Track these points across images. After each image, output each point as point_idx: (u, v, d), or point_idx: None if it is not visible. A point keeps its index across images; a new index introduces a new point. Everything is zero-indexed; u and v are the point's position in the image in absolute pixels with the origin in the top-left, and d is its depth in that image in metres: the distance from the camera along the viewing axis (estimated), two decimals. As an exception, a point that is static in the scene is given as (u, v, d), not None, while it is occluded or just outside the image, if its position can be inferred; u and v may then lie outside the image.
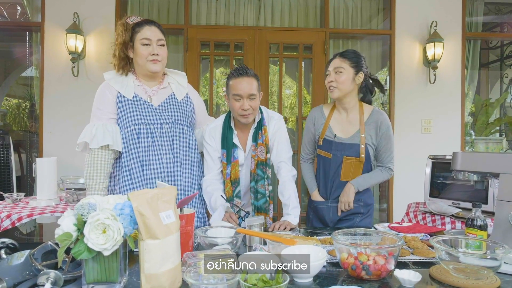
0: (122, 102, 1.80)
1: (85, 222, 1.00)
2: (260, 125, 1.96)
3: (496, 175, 1.41)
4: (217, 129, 1.98)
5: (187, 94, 1.97)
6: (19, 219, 2.14)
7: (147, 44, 1.77)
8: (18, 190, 3.75)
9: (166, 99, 1.89)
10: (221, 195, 1.84)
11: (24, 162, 5.27)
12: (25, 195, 2.62)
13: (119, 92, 1.81)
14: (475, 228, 1.36)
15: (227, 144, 1.94)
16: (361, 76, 1.94)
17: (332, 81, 1.92)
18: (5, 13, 4.68)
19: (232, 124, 1.97)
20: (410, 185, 3.99)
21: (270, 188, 1.95)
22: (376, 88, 2.10)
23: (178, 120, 1.86)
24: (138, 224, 0.98)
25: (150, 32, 1.78)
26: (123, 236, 1.00)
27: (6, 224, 2.13)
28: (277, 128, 1.99)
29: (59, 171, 2.56)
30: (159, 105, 1.86)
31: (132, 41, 1.80)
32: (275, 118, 2.01)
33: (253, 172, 1.95)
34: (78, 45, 3.83)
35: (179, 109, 1.89)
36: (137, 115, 1.80)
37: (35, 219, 1.89)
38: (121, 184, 1.79)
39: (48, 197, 2.41)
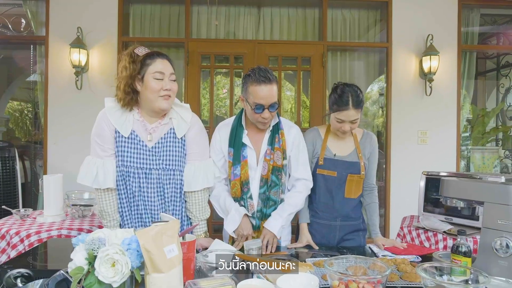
0: (119, 138, 1.75)
1: (95, 256, 1.08)
2: (277, 128, 1.92)
3: (481, 203, 1.49)
4: (227, 126, 1.96)
5: (185, 134, 1.83)
6: (28, 236, 2.23)
7: (159, 79, 1.68)
8: (23, 199, 3.85)
9: (164, 135, 1.78)
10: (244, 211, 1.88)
11: (28, 169, 5.35)
12: (33, 210, 2.70)
13: (116, 130, 1.74)
14: (460, 254, 1.44)
15: (236, 143, 1.89)
16: None
17: (348, 131, 1.94)
18: (9, 25, 4.77)
19: (243, 123, 1.93)
20: (407, 195, 4.06)
21: (283, 196, 1.93)
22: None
23: (169, 165, 1.77)
24: (145, 260, 1.06)
25: (162, 66, 1.69)
26: (130, 270, 1.08)
27: (15, 241, 2.22)
28: (298, 141, 1.97)
29: (64, 183, 2.61)
30: (152, 147, 1.76)
31: (141, 74, 1.68)
32: (296, 128, 2.00)
33: (265, 177, 1.90)
34: (81, 58, 3.92)
35: (174, 149, 1.79)
36: (128, 156, 1.74)
37: (44, 243, 1.96)
38: None
39: (55, 213, 2.50)
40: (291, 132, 1.97)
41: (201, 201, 1.89)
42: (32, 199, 4.93)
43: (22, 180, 5.10)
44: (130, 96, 1.71)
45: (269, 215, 1.91)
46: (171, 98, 1.73)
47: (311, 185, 2.00)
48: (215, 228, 4.11)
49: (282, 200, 1.94)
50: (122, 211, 1.81)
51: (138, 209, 1.79)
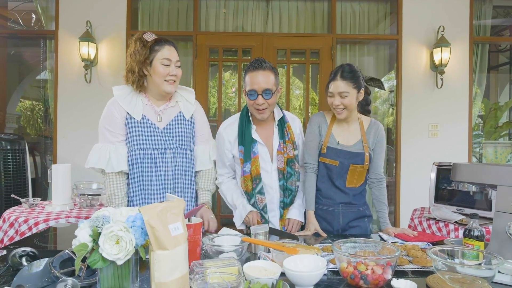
0: (131, 124, 1.82)
1: (100, 233, 1.07)
2: (283, 121, 2.01)
3: (494, 187, 1.45)
4: (231, 126, 2.01)
5: (192, 114, 1.97)
6: (36, 224, 2.24)
7: (167, 65, 1.79)
8: (33, 192, 3.88)
9: (174, 118, 1.90)
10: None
11: (39, 164, 5.41)
12: (41, 200, 2.72)
13: (127, 113, 1.82)
14: (472, 238, 1.40)
15: (245, 140, 1.94)
16: (362, 93, 1.97)
17: (338, 104, 1.91)
18: (20, 20, 4.82)
19: (251, 119, 1.98)
20: (417, 188, 4.02)
21: (298, 183, 2.03)
22: (376, 89, 2.16)
23: (182, 144, 1.89)
24: (149, 236, 1.05)
25: (170, 52, 1.81)
26: (135, 247, 1.07)
27: (24, 228, 2.23)
28: (301, 130, 2.09)
29: (73, 176, 2.65)
30: (164, 128, 1.87)
31: (149, 59, 1.78)
32: (297, 119, 2.11)
33: (282, 170, 1.98)
34: (90, 52, 3.94)
35: (184, 130, 1.91)
36: (142, 139, 1.82)
37: (52, 227, 1.98)
38: None
39: (63, 202, 2.51)
40: (295, 123, 2.08)
41: (210, 176, 2.05)
42: (42, 193, 4.98)
43: (33, 175, 5.16)
44: (143, 79, 1.83)
45: (289, 204, 2.02)
46: (175, 82, 1.85)
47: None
48: (223, 222, 4.10)
49: (297, 188, 2.04)
50: (133, 195, 1.84)
51: (151, 189, 1.84)
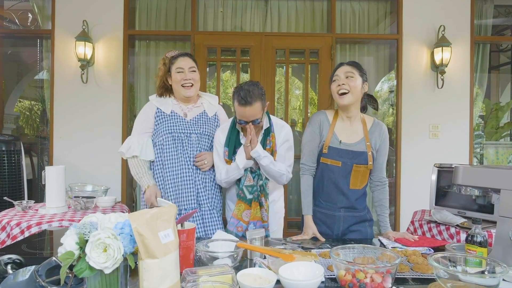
0: (160, 116, 2.22)
1: (86, 241, 1.03)
2: (268, 131, 2.08)
3: (497, 191, 1.41)
4: (224, 130, 2.15)
5: (216, 113, 2.33)
6: (28, 227, 2.19)
7: (181, 72, 2.17)
8: (29, 194, 3.83)
9: (199, 114, 2.26)
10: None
11: (36, 165, 5.36)
12: (35, 202, 2.67)
13: (158, 108, 2.22)
14: (475, 244, 1.35)
15: (230, 143, 2.10)
16: (366, 87, 1.95)
17: (343, 84, 1.89)
18: (16, 20, 4.77)
19: (238, 127, 2.10)
20: (418, 190, 3.98)
21: (261, 182, 2.06)
22: (368, 105, 2.12)
23: (205, 131, 2.23)
24: (138, 244, 1.00)
25: (183, 62, 2.19)
26: (123, 255, 1.03)
27: (16, 232, 2.19)
28: (287, 138, 2.13)
29: (69, 177, 2.60)
30: (191, 119, 2.24)
31: (170, 71, 2.22)
32: (286, 128, 2.15)
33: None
34: (87, 52, 3.89)
35: (208, 123, 2.26)
36: (170, 126, 2.18)
37: (45, 230, 1.93)
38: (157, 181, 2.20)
39: (57, 205, 2.46)
40: (282, 131, 2.13)
41: None
42: (39, 195, 4.93)
43: (30, 176, 5.10)
44: (163, 89, 2.29)
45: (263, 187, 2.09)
46: (194, 86, 2.21)
47: (290, 176, 2.13)
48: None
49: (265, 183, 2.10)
50: (164, 177, 2.18)
51: (176, 171, 2.15)
